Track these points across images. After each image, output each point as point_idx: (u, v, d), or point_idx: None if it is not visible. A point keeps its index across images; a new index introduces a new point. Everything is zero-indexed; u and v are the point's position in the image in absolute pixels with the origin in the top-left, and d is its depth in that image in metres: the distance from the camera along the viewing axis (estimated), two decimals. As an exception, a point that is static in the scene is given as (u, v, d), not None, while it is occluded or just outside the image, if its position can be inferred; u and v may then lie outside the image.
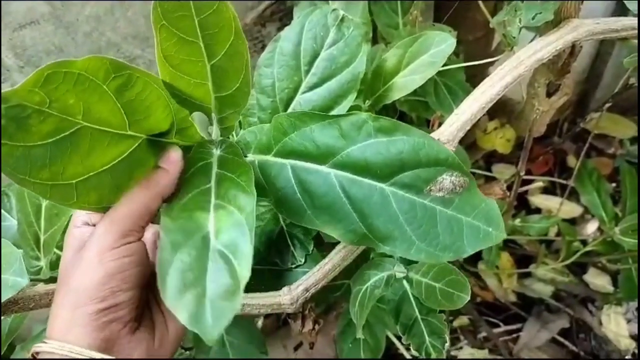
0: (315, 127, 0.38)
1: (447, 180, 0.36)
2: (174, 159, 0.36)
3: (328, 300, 0.75)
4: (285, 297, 0.51)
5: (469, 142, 0.98)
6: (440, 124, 0.47)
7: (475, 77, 0.59)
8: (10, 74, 0.68)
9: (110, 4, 0.69)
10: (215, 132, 0.39)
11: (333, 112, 0.50)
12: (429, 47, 0.56)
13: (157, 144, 0.37)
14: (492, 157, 1.25)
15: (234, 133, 0.47)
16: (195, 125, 0.39)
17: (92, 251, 0.33)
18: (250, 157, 0.41)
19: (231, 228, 0.29)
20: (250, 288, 0.49)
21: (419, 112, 0.73)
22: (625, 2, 0.53)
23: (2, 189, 0.59)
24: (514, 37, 0.55)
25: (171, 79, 0.34)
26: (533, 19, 0.52)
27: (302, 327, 0.62)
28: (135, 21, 0.73)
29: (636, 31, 0.52)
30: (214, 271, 0.27)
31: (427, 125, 0.81)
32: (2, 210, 0.57)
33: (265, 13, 0.83)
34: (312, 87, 0.50)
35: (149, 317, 0.36)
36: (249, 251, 0.28)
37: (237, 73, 0.36)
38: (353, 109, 0.49)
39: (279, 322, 1.06)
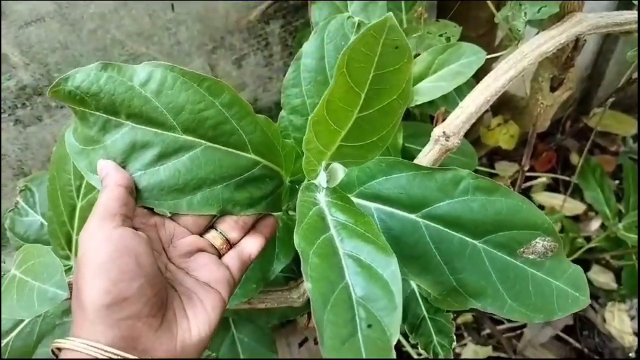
0: (407, 176, 0.38)
1: (540, 244, 0.37)
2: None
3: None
4: (293, 292, 0.51)
5: (472, 138, 0.98)
6: (444, 120, 0.47)
7: (478, 73, 0.59)
8: (16, 71, 0.69)
9: (114, 2, 0.70)
10: (323, 177, 0.37)
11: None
12: (459, 57, 0.57)
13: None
14: (495, 155, 1.25)
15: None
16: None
17: (83, 245, 0.33)
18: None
19: (370, 282, 0.29)
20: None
21: (422, 107, 0.73)
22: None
23: (24, 183, 0.58)
24: (520, 31, 0.55)
25: (318, 121, 0.33)
26: (538, 12, 0.52)
27: (308, 321, 0.62)
28: (140, 19, 0.73)
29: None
30: (362, 327, 0.27)
31: (430, 121, 0.81)
32: (26, 205, 0.57)
33: (269, 10, 0.83)
34: None
35: (173, 319, 0.34)
36: (396, 308, 0.28)
37: (380, 128, 0.34)
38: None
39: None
